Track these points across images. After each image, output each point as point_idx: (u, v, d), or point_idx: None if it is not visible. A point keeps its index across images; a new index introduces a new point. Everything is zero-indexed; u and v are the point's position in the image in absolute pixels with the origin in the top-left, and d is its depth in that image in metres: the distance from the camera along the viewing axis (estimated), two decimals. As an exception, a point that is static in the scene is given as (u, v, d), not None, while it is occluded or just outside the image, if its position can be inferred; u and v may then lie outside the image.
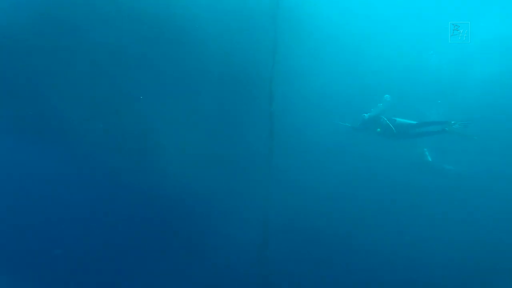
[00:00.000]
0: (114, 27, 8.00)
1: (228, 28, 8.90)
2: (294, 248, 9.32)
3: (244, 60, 8.97)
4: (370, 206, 10.61)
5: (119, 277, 8.56)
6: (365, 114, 8.80)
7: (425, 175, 10.12)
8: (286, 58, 9.64)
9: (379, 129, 8.59)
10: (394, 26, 14.34)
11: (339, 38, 13.57)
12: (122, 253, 8.79)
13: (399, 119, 8.55)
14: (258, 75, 8.75)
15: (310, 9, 11.92)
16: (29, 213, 8.66)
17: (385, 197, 11.02)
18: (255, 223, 8.98)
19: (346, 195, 11.22)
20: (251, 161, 9.44)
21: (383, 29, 14.65)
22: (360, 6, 14.20)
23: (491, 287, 8.73)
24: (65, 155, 8.62)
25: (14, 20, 7.35)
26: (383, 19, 14.70)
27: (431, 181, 10.22)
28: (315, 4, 12.09)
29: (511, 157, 10.32)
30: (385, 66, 13.54)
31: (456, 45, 10.65)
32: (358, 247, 9.70)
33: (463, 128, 7.76)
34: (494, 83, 12.21)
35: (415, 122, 8.45)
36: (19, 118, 7.83)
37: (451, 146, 10.21)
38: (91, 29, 7.93)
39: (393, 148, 10.30)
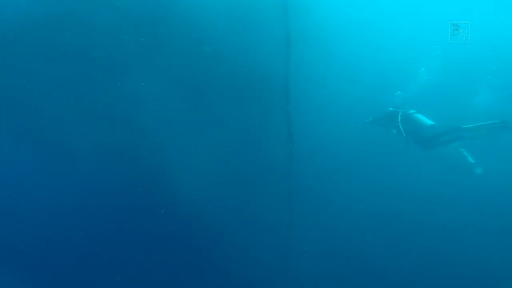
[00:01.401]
0: (125, 26, 7.74)
1: (239, 26, 8.47)
2: (319, 263, 8.75)
3: (257, 59, 8.48)
4: (405, 219, 9.76)
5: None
6: (390, 108, 8.21)
7: (471, 181, 8.89)
8: (301, 55, 9.09)
9: (395, 130, 7.94)
10: (410, 23, 13.96)
11: (355, 33, 13.17)
12: (135, 271, 8.24)
13: (420, 117, 7.71)
14: (273, 73, 8.17)
15: (323, 5, 11.54)
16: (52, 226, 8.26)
17: (423, 208, 10.14)
18: (275, 238, 8.29)
19: (375, 206, 10.45)
20: (269, 168, 8.77)
21: (400, 24, 14.23)
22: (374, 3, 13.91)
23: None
24: (76, 169, 8.31)
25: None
26: (399, 14, 14.35)
27: (481, 190, 9.13)
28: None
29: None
30: (402, 63, 13.06)
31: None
32: (389, 262, 8.86)
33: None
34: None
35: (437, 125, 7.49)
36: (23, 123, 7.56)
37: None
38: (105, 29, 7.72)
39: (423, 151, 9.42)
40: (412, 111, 7.88)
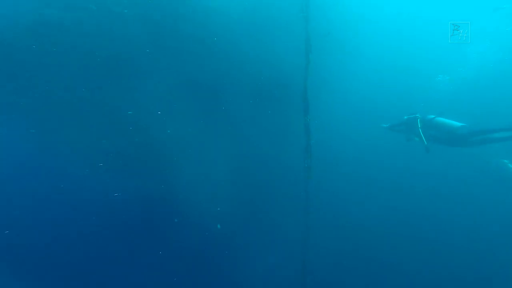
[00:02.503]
0: (144, 32, 7.76)
1: (258, 33, 8.38)
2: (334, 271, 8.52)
3: (276, 68, 8.35)
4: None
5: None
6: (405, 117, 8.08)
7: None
8: (320, 64, 8.88)
9: (417, 138, 7.72)
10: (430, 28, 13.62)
11: (374, 40, 12.91)
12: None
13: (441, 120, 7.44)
14: (292, 83, 8.00)
15: (343, 10, 11.34)
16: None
17: (457, 221, 9.68)
18: (291, 247, 8.03)
19: (400, 224, 10.07)
20: (286, 181, 8.56)
21: (421, 29, 13.89)
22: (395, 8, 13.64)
23: None
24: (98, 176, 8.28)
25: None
26: (420, 19, 14.01)
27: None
28: (345, 5, 11.52)
29: None
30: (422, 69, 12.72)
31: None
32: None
33: None
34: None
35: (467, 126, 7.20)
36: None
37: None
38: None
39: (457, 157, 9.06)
40: (432, 116, 7.66)
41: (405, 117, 8.15)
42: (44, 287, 7.95)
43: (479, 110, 11.96)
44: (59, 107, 7.89)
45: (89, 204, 8.43)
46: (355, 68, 12.76)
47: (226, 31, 8.62)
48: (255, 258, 8.34)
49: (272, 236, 8.70)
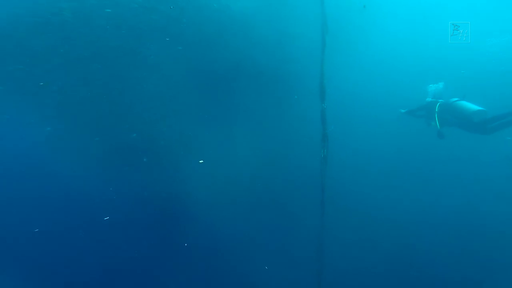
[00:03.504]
0: (157, 28, 7.46)
1: (274, 19, 7.90)
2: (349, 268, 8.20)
3: (292, 56, 7.87)
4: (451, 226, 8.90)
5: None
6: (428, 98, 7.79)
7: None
8: (336, 55, 8.37)
9: (433, 123, 7.52)
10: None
11: (390, 30, 12.29)
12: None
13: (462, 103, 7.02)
14: (308, 71, 7.52)
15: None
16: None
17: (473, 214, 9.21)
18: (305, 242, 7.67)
19: (418, 216, 9.67)
20: (302, 172, 8.16)
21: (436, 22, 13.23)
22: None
23: None
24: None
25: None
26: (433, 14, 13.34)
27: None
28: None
29: None
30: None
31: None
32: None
33: None
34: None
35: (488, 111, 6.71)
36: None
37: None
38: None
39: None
40: (455, 98, 7.23)
41: (428, 99, 7.77)
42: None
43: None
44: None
45: (100, 202, 8.35)
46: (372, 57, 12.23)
47: (237, 15, 8.18)
48: (268, 258, 8.05)
49: (286, 233, 8.38)
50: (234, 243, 8.44)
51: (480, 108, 6.73)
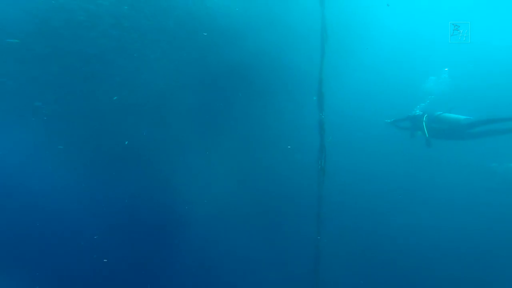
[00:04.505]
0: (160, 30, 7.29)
1: (268, 18, 7.75)
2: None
3: (290, 61, 7.72)
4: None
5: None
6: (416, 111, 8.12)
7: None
8: (335, 60, 8.25)
9: (419, 132, 7.88)
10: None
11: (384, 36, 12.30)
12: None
13: (448, 115, 7.54)
14: (306, 77, 7.35)
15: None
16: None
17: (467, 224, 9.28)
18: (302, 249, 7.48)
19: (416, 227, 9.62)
20: (298, 186, 7.97)
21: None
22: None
23: None
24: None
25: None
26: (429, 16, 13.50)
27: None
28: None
29: None
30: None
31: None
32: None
33: None
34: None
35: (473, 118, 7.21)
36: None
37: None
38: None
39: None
40: (439, 112, 7.76)
41: (416, 111, 8.12)
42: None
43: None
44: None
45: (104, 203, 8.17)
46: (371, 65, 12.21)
47: (233, 20, 8.01)
48: (264, 269, 7.84)
49: (282, 241, 8.20)
50: (230, 255, 8.30)
51: (467, 117, 7.24)
